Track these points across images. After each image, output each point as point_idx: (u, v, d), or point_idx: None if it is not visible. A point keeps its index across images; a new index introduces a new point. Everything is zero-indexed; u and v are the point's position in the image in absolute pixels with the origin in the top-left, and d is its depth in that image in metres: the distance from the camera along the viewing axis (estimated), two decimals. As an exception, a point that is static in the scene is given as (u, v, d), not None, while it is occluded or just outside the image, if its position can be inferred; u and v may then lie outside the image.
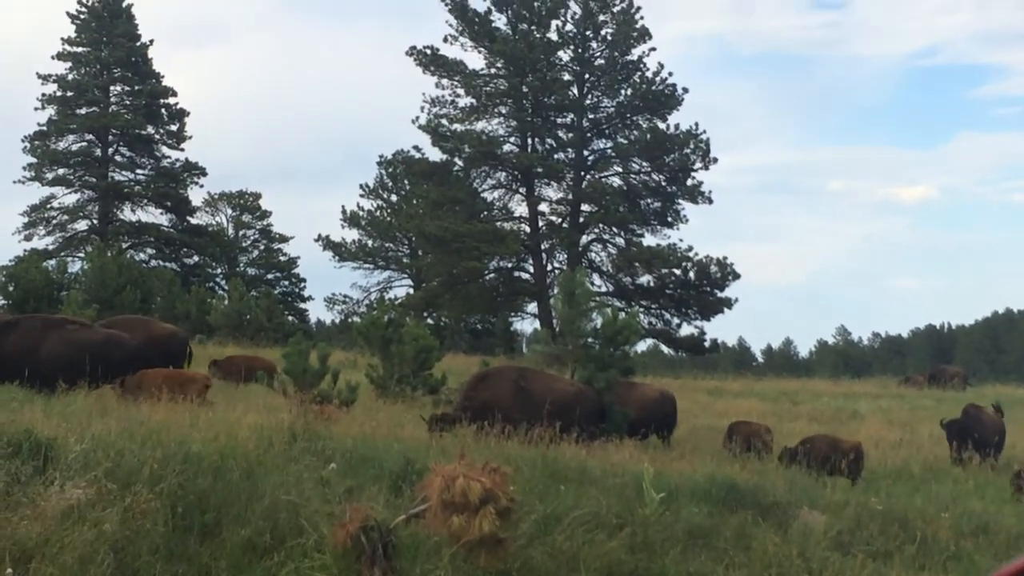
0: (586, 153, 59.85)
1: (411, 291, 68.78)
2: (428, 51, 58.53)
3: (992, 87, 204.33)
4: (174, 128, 69.87)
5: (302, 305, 77.91)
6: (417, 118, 58.24)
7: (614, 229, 59.50)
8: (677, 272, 57.85)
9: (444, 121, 58.50)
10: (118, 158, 69.67)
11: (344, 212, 73.86)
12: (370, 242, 73.80)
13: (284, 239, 79.18)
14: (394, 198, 74.76)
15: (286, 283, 78.31)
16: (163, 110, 69.65)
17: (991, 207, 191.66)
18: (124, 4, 68.80)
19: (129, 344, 22.02)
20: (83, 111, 68.43)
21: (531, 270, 59.51)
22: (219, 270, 76.17)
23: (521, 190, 59.68)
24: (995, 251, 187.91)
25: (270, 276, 78.12)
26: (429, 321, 62.02)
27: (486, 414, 18.85)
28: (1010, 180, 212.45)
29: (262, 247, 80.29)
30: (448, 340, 62.49)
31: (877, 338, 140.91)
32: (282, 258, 78.99)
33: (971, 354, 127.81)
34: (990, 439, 22.40)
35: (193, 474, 10.65)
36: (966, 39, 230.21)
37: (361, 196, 74.71)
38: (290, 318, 68.08)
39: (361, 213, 73.83)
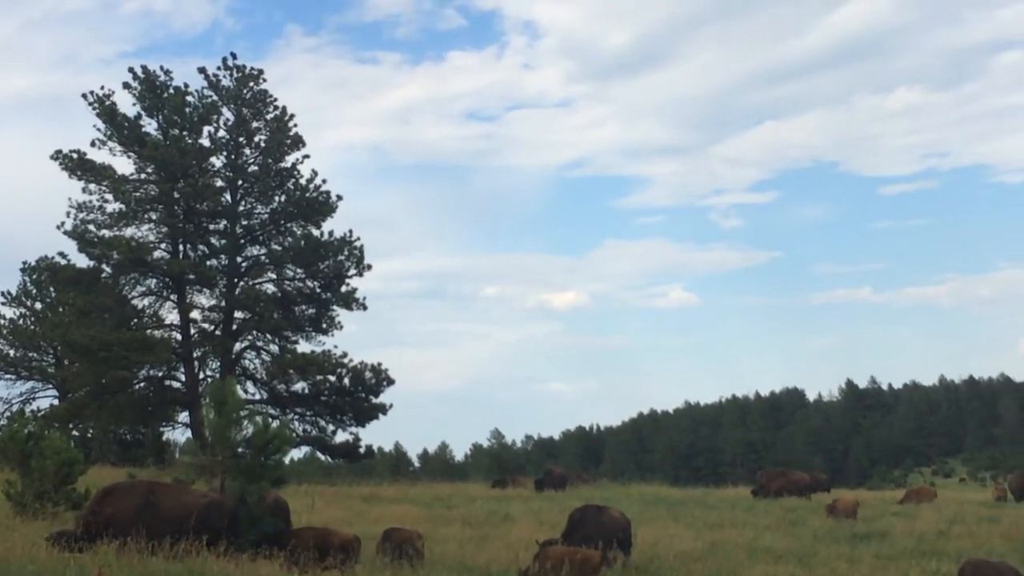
0: (239, 260, 59.21)
1: (56, 402, 66.09)
2: (75, 155, 56.63)
3: (635, 197, 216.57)
4: None
5: (-64, 420, 73.67)
6: (63, 223, 56.29)
7: (268, 336, 58.92)
8: (332, 379, 57.82)
9: (92, 227, 56.60)
10: None
11: (-17, 321, 70.37)
12: (12, 352, 70.48)
13: (-84, 350, 74.78)
14: (39, 306, 71.85)
15: (-83, 397, 73.84)
16: None
17: (637, 312, 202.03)
18: None
19: None
20: None
21: (183, 379, 58.14)
22: None
23: (172, 297, 58.26)
24: (641, 354, 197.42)
25: (-102, 390, 73.61)
26: (75, 433, 59.70)
27: (110, 530, 18.32)
28: (653, 286, 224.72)
29: None
30: (96, 452, 60.25)
31: (530, 440, 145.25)
32: (-87, 370, 74.49)
33: (619, 454, 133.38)
34: (610, 538, 23.04)
35: None
36: (611, 152, 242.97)
37: (3, 304, 71.34)
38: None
39: (3, 322, 70.50)
